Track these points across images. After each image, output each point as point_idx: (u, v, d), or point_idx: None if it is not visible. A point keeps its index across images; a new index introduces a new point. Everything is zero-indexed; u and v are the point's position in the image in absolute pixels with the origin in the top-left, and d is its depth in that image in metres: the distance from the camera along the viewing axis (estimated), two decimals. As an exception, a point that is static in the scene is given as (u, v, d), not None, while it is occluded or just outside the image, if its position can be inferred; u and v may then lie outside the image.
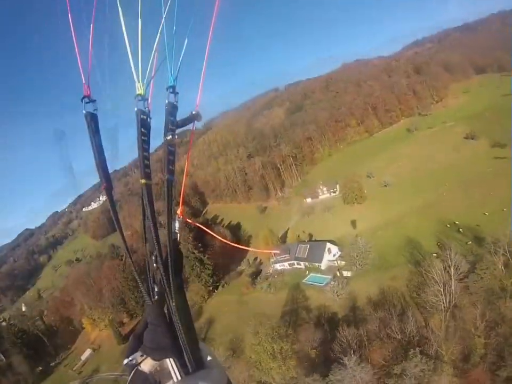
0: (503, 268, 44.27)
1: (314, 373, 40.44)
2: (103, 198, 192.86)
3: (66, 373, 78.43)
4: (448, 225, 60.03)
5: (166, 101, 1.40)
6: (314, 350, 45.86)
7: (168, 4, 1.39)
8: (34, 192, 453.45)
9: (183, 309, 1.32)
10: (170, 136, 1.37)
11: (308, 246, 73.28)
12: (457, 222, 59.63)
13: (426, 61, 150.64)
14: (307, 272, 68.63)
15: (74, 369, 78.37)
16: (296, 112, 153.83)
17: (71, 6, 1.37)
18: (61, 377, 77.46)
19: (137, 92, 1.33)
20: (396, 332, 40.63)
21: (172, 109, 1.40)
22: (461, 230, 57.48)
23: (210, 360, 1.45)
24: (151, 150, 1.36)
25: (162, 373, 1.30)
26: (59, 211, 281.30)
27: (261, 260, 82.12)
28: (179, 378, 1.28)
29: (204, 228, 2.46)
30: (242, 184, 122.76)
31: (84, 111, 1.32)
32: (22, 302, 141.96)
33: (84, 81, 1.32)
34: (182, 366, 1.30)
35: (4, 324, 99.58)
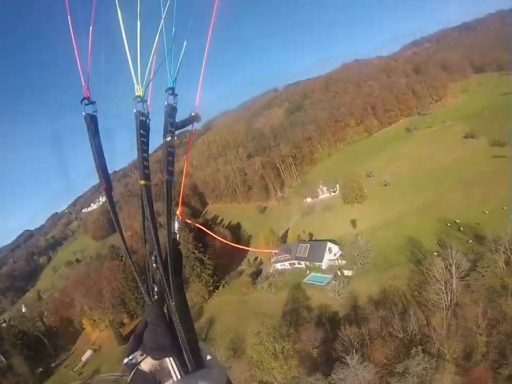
0: (504, 265, 44.36)
1: (316, 372, 40.46)
2: (102, 199, 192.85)
3: (67, 374, 78.47)
4: (449, 224, 60.07)
5: (165, 103, 1.40)
6: (316, 350, 45.91)
7: (167, 4, 1.39)
8: (34, 193, 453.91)
9: (182, 309, 1.32)
10: (170, 138, 1.38)
11: (309, 245, 73.30)
12: (457, 221, 59.67)
13: (425, 60, 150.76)
14: (308, 271, 68.65)
15: (74, 370, 78.37)
16: (295, 112, 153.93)
17: (71, 7, 1.37)
18: (62, 378, 77.50)
19: (136, 94, 1.33)
20: (398, 331, 40.65)
21: (171, 111, 1.40)
22: (461, 228, 57.54)
23: (210, 359, 1.45)
24: (150, 151, 1.36)
25: (162, 372, 1.30)
26: (59, 212, 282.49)
27: (261, 259, 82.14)
28: (179, 377, 1.29)
29: (203, 229, 2.46)
30: (242, 184, 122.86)
31: (83, 113, 1.32)
32: (22, 303, 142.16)
33: (83, 83, 1.32)
34: (182, 365, 1.30)
35: (4, 325, 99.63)
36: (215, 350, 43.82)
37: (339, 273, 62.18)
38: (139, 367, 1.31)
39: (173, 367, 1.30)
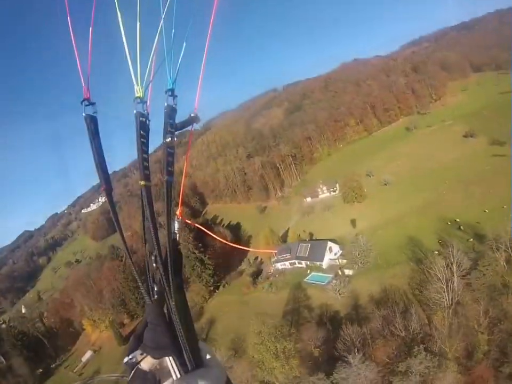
0: (505, 264, 44.41)
1: (318, 371, 40.44)
2: (102, 199, 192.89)
3: (67, 374, 78.46)
4: (449, 223, 60.16)
5: (165, 104, 1.41)
6: (317, 349, 45.90)
7: (167, 5, 1.39)
8: (34, 193, 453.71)
9: (182, 308, 1.33)
10: (170, 139, 1.39)
11: (309, 245, 73.33)
12: (457, 220, 59.76)
13: (424, 60, 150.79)
14: (308, 271, 68.65)
15: (75, 371, 78.35)
16: (295, 112, 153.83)
17: (70, 8, 1.37)
18: (62, 379, 77.51)
19: (136, 95, 1.33)
20: (400, 330, 40.63)
21: (171, 112, 1.41)
22: (461, 227, 57.67)
23: (209, 358, 1.46)
24: (150, 150, 1.36)
25: (162, 371, 1.31)
26: (58, 213, 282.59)
27: (261, 259, 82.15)
28: (178, 376, 1.29)
29: (203, 229, 2.47)
30: (241, 184, 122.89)
31: (83, 114, 1.32)
32: (22, 304, 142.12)
33: (83, 84, 1.33)
34: (182, 365, 1.31)
35: (3, 326, 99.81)
36: (216, 350, 43.81)
37: (340, 273, 62.21)
38: (139, 366, 1.31)
39: (172, 366, 1.30)
